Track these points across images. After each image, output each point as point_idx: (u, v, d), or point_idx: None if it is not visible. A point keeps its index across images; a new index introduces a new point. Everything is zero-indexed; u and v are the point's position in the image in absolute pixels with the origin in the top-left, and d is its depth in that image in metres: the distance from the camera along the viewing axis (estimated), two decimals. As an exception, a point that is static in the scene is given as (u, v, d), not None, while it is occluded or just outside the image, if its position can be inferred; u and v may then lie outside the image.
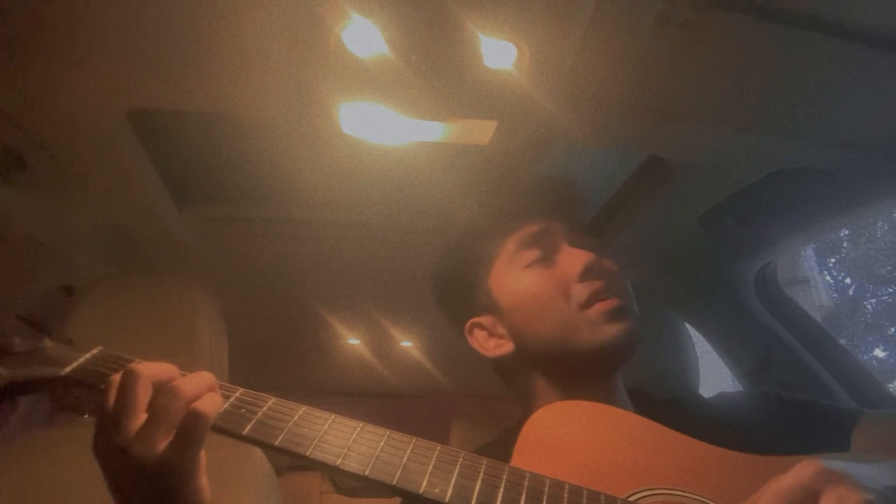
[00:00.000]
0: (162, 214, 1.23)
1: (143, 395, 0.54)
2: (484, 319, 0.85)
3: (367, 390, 2.43)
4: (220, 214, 1.34)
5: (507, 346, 0.83)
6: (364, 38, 0.73)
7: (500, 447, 0.67)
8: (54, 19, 0.76)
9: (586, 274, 0.78)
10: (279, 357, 2.19)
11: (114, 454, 0.54)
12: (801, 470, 0.51)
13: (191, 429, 0.53)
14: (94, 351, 0.62)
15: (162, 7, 0.74)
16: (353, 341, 2.14)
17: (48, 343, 0.62)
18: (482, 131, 0.93)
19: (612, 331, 0.75)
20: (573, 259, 0.80)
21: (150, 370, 0.56)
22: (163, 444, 0.53)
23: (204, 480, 0.56)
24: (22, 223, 1.10)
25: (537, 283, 0.80)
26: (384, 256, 1.48)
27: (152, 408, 0.54)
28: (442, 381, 2.09)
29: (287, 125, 1.00)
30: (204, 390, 0.56)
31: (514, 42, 0.74)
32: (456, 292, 0.90)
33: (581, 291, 0.77)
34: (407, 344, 2.13)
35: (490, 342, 0.84)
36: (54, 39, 0.79)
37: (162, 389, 0.55)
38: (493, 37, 0.73)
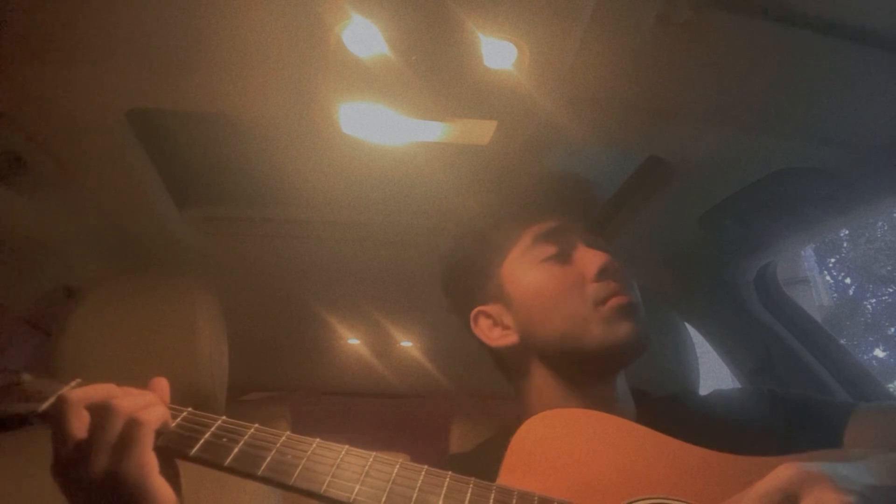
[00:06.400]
0: (162, 214, 1.23)
1: (76, 419, 0.55)
2: (491, 308, 0.85)
3: (367, 390, 2.43)
4: (220, 214, 1.34)
5: (512, 338, 0.83)
6: (364, 38, 0.73)
7: (499, 444, 0.68)
8: (54, 19, 0.76)
9: (603, 274, 0.79)
10: (279, 357, 2.19)
11: (59, 475, 0.55)
12: (779, 473, 0.51)
13: (127, 437, 0.54)
14: (72, 384, 0.61)
15: (162, 7, 0.74)
16: (353, 341, 2.14)
17: (26, 377, 0.61)
18: (482, 131, 0.93)
19: (624, 328, 0.76)
20: (590, 258, 0.80)
21: (82, 394, 0.57)
22: (101, 461, 0.54)
23: (163, 491, 0.56)
24: (22, 223, 1.10)
25: (552, 278, 0.80)
26: (384, 256, 1.48)
27: (91, 428, 0.55)
28: (442, 381, 2.09)
29: (287, 125, 0.99)
30: (142, 406, 0.57)
31: (514, 42, 0.74)
32: (466, 278, 0.90)
33: (598, 290, 0.78)
34: (407, 344, 2.13)
35: (494, 332, 0.84)
36: (54, 39, 0.79)
37: (98, 409, 0.56)
38: (493, 37, 0.73)
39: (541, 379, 0.82)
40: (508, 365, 0.88)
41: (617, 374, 0.82)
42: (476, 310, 0.86)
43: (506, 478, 0.61)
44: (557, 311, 0.79)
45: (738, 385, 1.55)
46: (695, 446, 0.66)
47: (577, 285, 0.79)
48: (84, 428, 0.55)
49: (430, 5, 0.69)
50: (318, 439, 0.59)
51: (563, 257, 0.82)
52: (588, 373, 0.80)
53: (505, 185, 1.03)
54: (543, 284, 0.81)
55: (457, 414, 1.42)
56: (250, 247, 1.44)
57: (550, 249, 0.82)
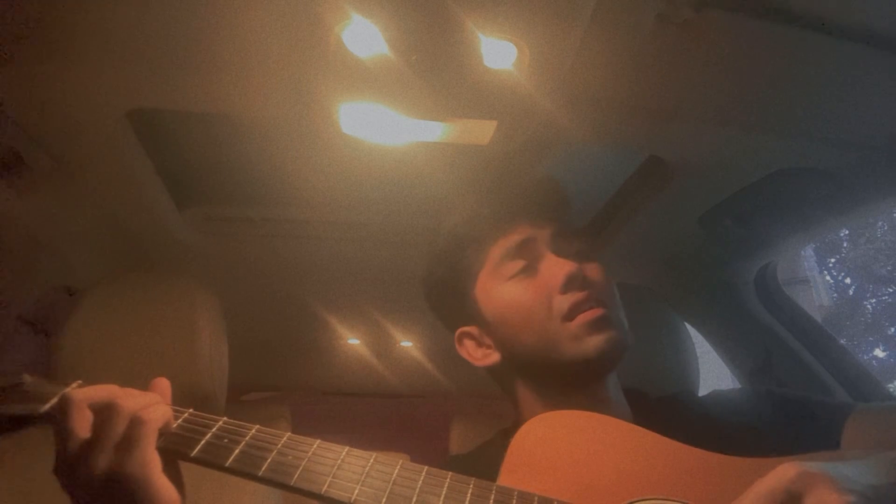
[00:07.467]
0: (162, 214, 1.23)
1: (79, 418, 0.55)
2: (472, 329, 0.85)
3: (367, 390, 2.43)
4: (220, 214, 1.34)
5: (494, 357, 0.83)
6: (364, 38, 0.73)
7: (499, 445, 0.68)
8: (54, 19, 0.76)
9: (568, 285, 0.77)
10: (279, 357, 2.19)
11: (62, 475, 0.55)
12: (781, 473, 0.50)
13: (131, 435, 0.55)
14: (73, 385, 0.61)
15: (162, 7, 0.74)
16: (353, 341, 2.14)
17: (27, 378, 0.61)
18: (482, 131, 0.93)
19: (594, 342, 0.75)
20: (555, 269, 0.78)
21: (85, 394, 0.57)
22: (105, 460, 0.54)
23: (166, 490, 0.56)
24: (21, 223, 1.10)
25: (520, 295, 0.79)
26: (384, 256, 1.48)
27: (94, 427, 0.55)
28: (442, 381, 2.09)
29: (287, 125, 1.00)
30: (144, 405, 0.57)
31: (514, 42, 0.74)
32: (444, 301, 0.90)
33: (562, 303, 0.77)
34: (407, 344, 2.13)
35: (478, 352, 0.84)
36: (54, 39, 0.79)
37: (102, 409, 0.56)
38: (493, 37, 0.73)
39: (527, 393, 0.83)
40: (498, 380, 0.88)
41: (601, 381, 0.81)
42: (459, 331, 0.86)
43: (506, 479, 0.61)
44: (527, 329, 0.78)
45: (738, 385, 1.55)
46: (694, 447, 0.66)
47: (544, 300, 0.77)
48: (87, 427, 0.55)
49: (430, 5, 0.69)
50: (318, 440, 0.59)
51: (530, 271, 0.80)
52: (570, 385, 0.79)
53: (504, 186, 1.03)
54: (511, 302, 0.79)
55: (457, 414, 1.42)
56: (250, 247, 1.44)
57: (517, 265, 0.80)
